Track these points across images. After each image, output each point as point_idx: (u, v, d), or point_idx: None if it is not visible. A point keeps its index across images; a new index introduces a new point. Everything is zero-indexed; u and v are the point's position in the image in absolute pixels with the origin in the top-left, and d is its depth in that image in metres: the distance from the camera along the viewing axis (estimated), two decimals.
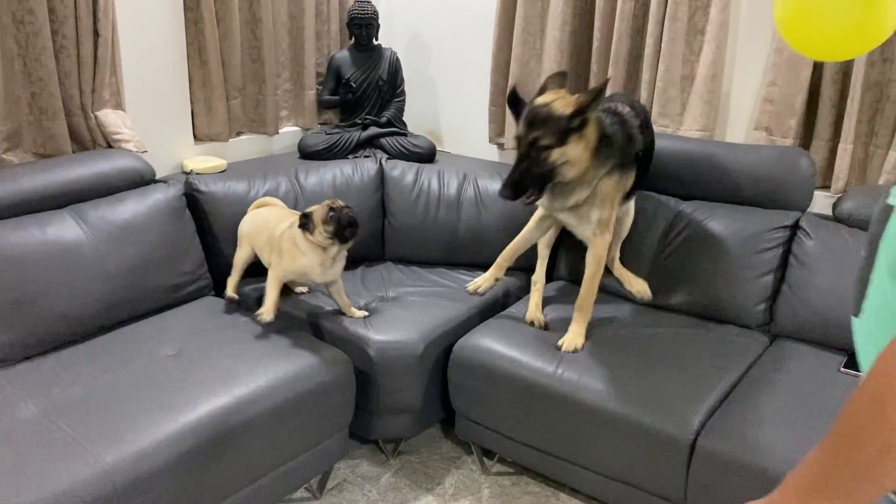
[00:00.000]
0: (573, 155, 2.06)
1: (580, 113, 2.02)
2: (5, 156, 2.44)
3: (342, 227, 2.28)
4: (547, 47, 3.07)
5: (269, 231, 2.46)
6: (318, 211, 2.31)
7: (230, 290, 2.56)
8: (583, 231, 2.34)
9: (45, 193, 2.30)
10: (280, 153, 3.30)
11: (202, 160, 2.91)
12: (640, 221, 2.67)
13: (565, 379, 2.16)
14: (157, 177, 2.69)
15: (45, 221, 2.23)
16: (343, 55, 3.31)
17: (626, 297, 2.65)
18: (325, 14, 3.38)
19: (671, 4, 2.72)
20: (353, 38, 3.31)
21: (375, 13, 3.26)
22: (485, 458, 2.55)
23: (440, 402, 2.52)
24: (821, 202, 2.60)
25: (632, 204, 2.63)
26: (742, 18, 2.70)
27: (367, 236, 2.88)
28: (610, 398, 2.08)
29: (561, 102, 2.06)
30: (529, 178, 2.09)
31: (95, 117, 2.62)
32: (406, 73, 3.43)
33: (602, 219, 2.27)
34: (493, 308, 2.66)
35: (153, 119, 2.84)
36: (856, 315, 0.99)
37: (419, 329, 2.42)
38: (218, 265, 2.68)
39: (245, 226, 2.59)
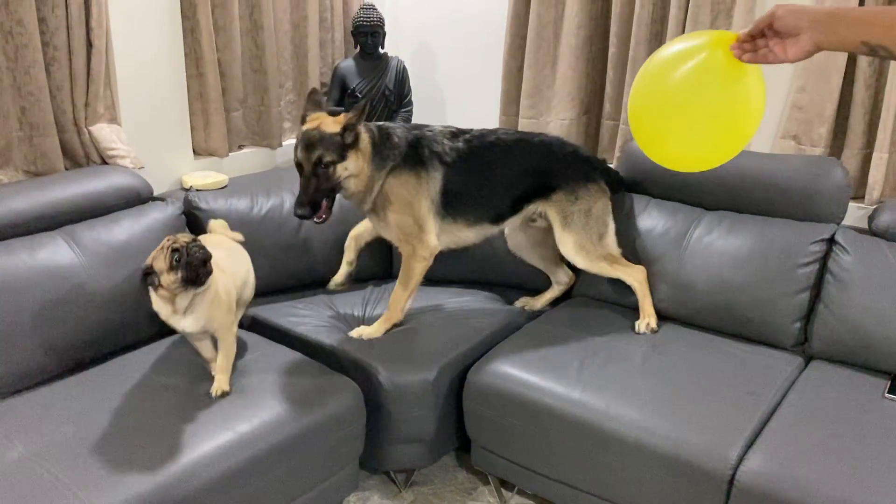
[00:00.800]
0: (354, 167, 2.21)
1: (349, 128, 2.17)
2: None
3: (194, 270, 1.89)
4: (562, 53, 2.95)
5: None
6: (157, 259, 1.90)
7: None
8: (388, 235, 2.41)
9: (35, 214, 2.17)
10: (283, 166, 3.17)
11: (202, 176, 2.79)
12: (659, 231, 2.53)
13: (591, 406, 2.02)
14: (155, 194, 2.56)
15: (35, 244, 2.10)
16: (348, 64, 3.19)
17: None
18: (328, 22, 3.26)
19: (692, 8, 2.60)
20: (359, 47, 3.19)
21: (381, 21, 3.14)
22: (503, 490, 2.41)
23: (455, 429, 2.37)
24: (854, 214, 2.46)
25: (555, 228, 2.48)
26: None
27: (375, 254, 2.75)
28: (640, 428, 1.94)
29: (327, 123, 2.18)
30: (320, 194, 2.20)
31: (89, 132, 2.49)
32: (412, 82, 3.30)
33: (402, 224, 2.32)
34: (507, 329, 2.52)
35: (150, 133, 2.71)
36: None
37: (431, 353, 2.28)
38: None
39: None
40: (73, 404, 1.90)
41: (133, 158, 2.54)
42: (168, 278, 1.89)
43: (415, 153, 2.32)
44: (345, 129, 2.16)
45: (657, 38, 2.76)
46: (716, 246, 2.41)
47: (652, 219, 2.57)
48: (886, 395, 2.04)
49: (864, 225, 2.39)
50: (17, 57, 2.31)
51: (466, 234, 2.46)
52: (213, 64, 2.81)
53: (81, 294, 2.10)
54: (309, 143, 2.16)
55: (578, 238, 2.45)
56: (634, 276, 2.48)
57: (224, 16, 2.82)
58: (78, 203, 2.27)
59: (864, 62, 2.40)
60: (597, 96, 3.03)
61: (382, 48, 3.21)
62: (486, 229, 2.48)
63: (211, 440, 1.79)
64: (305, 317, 2.50)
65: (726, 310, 2.36)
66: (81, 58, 2.42)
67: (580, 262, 2.48)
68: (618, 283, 2.55)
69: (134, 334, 2.24)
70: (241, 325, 2.47)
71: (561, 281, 2.71)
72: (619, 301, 2.59)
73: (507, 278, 2.77)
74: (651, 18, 2.72)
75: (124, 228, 2.28)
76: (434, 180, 2.35)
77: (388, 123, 2.38)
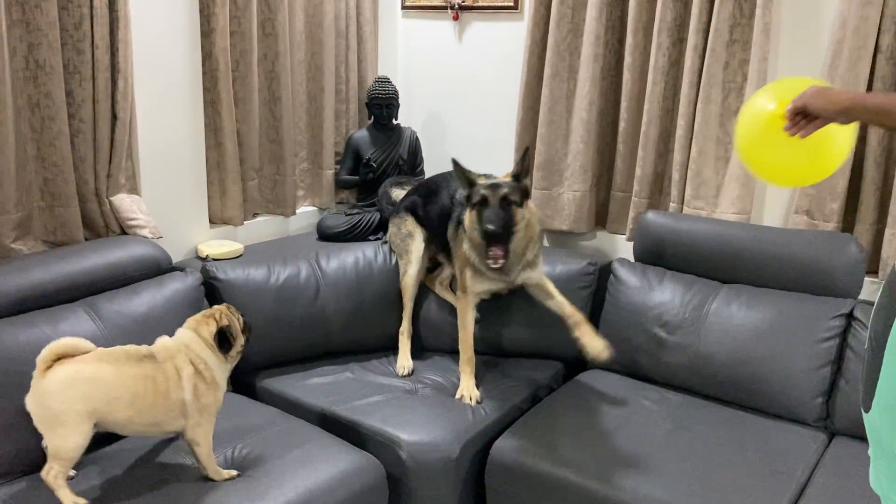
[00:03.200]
0: (528, 216, 2.42)
1: (521, 176, 2.42)
2: (14, 245, 2.31)
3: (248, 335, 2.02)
4: (573, 128, 3.00)
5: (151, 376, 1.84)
6: (232, 322, 1.95)
7: None
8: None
9: (56, 286, 2.16)
10: (296, 234, 3.18)
11: (218, 244, 2.79)
12: (677, 303, 2.55)
13: (619, 485, 2.00)
14: (173, 262, 2.55)
15: (57, 317, 2.08)
16: (362, 134, 3.24)
17: (661, 383, 2.53)
18: (343, 94, 3.32)
19: (704, 86, 2.66)
20: (373, 118, 3.24)
21: (396, 93, 3.20)
22: None
23: None
24: (868, 288, 2.49)
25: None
26: None
27: (394, 324, 2.74)
28: None
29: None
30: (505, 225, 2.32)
31: (110, 203, 2.50)
32: (424, 152, 3.35)
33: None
34: (528, 402, 2.51)
35: (168, 202, 2.72)
36: (866, 411, 1.14)
37: (453, 428, 2.26)
38: None
39: (77, 401, 1.76)
40: (93, 483, 1.86)
41: (152, 228, 2.55)
42: (240, 341, 1.97)
43: None
44: (516, 174, 2.40)
45: (669, 115, 2.82)
46: (735, 319, 2.43)
47: (669, 291, 2.59)
48: None
49: None
50: (43, 129, 2.33)
51: None
52: (232, 135, 2.85)
53: None
54: (495, 183, 2.37)
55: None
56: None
57: (244, 88, 2.87)
58: (99, 274, 2.26)
59: (874, 140, 2.46)
60: (607, 169, 3.08)
61: (396, 119, 3.27)
62: None
63: None
64: (323, 388, 2.48)
65: (747, 383, 2.36)
66: (106, 130, 2.45)
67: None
68: (633, 355, 2.56)
69: None
70: (256, 398, 2.45)
71: None
72: (635, 372, 2.59)
73: (522, 348, 2.77)
74: (663, 95, 2.79)
75: (145, 300, 2.27)
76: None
77: None
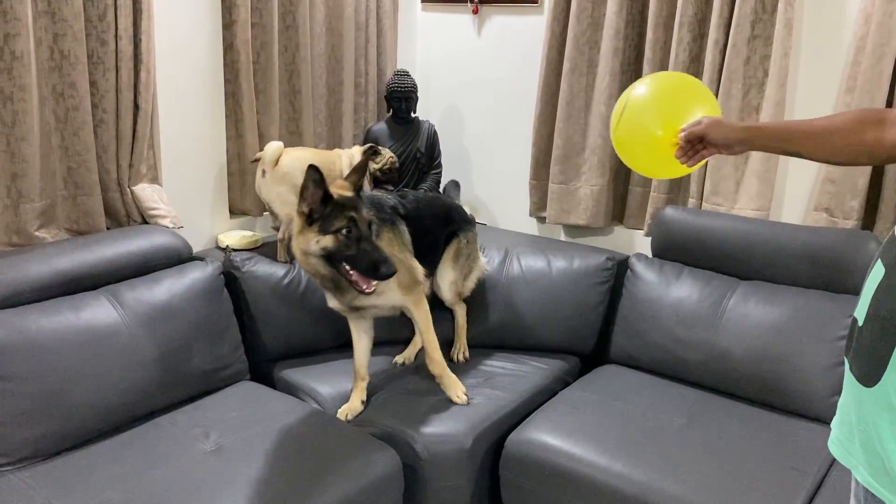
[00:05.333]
0: None
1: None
2: (38, 233, 2.34)
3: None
4: (592, 122, 3.00)
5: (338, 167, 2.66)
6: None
7: (283, 255, 2.65)
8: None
9: (79, 273, 2.19)
10: None
11: (238, 235, 2.82)
12: (695, 299, 2.54)
13: (633, 479, 2.00)
14: (193, 252, 2.58)
15: (79, 304, 2.11)
16: (380, 127, 3.25)
17: (677, 378, 2.53)
18: (362, 86, 3.33)
19: (724, 82, 2.65)
20: (391, 111, 3.26)
21: (415, 86, 3.21)
22: None
23: (489, 497, 2.35)
24: None
25: None
26: (798, 94, 2.62)
27: (407, 318, 2.75)
28: None
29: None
30: None
31: (132, 192, 2.53)
32: (442, 145, 3.36)
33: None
34: (542, 395, 2.51)
35: (188, 193, 2.75)
36: (869, 386, 1.15)
37: (467, 420, 2.27)
38: (254, 347, 2.55)
39: (296, 171, 2.50)
40: (115, 467, 1.89)
41: (173, 218, 2.57)
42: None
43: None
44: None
45: None
46: (753, 316, 2.42)
47: (687, 287, 2.58)
48: None
49: None
50: (68, 118, 2.36)
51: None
52: (253, 126, 2.87)
53: (125, 354, 2.10)
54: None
55: (456, 276, 2.60)
56: (463, 311, 2.68)
57: (265, 80, 2.89)
58: (120, 262, 2.29)
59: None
60: (625, 164, 3.07)
61: (415, 112, 3.28)
62: None
63: None
64: (340, 379, 2.49)
65: (764, 380, 2.36)
66: (128, 120, 2.47)
67: (448, 297, 2.61)
68: (649, 351, 2.56)
69: (176, 394, 2.23)
70: (274, 387, 2.48)
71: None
72: (651, 368, 2.59)
73: (541, 342, 2.77)
74: None
75: (166, 288, 2.29)
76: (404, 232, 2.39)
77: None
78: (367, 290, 2.04)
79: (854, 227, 2.53)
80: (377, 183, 2.88)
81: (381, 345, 2.71)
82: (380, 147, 2.92)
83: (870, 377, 1.17)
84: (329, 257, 2.04)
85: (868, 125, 1.36)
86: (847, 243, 2.40)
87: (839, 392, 2.25)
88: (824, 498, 1.93)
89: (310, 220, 2.02)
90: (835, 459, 2.10)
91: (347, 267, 2.03)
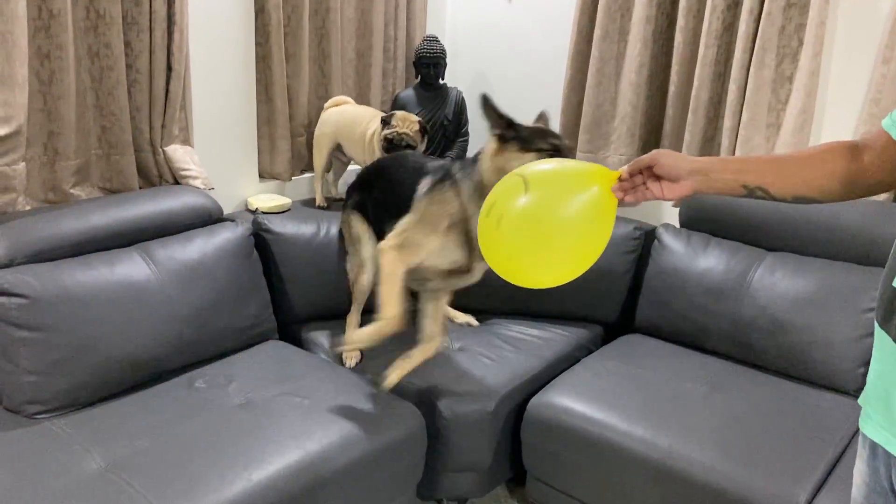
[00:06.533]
0: None
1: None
2: (73, 190, 2.40)
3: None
4: (622, 90, 2.98)
5: (362, 129, 2.80)
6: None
7: (320, 200, 2.96)
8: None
9: (113, 230, 2.23)
10: (342, 193, 3.22)
11: (268, 198, 2.85)
12: (721, 269, 2.53)
13: (654, 444, 2.02)
14: (224, 213, 2.62)
15: (113, 260, 2.16)
16: (408, 94, 3.25)
17: (702, 348, 2.53)
18: (391, 52, 3.33)
19: (758, 51, 2.61)
20: (420, 77, 3.25)
21: (443, 52, 3.20)
22: None
23: (510, 460, 2.39)
24: None
25: None
26: (833, 64, 2.58)
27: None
28: (705, 468, 1.93)
29: None
30: None
31: (164, 152, 2.56)
32: (469, 113, 3.35)
33: None
34: (565, 361, 2.53)
35: (219, 155, 2.78)
36: None
37: (490, 383, 2.30)
38: (283, 308, 2.59)
39: (329, 123, 2.90)
40: (148, 417, 1.94)
41: (204, 179, 2.61)
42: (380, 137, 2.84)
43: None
44: None
45: (720, 79, 2.78)
46: (779, 287, 2.41)
47: (714, 257, 2.57)
48: None
49: None
50: (102, 78, 2.40)
51: None
52: (283, 90, 2.88)
53: (157, 309, 2.15)
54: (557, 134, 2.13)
55: None
56: None
57: (294, 44, 2.90)
58: (153, 220, 2.33)
59: None
60: (654, 133, 3.05)
61: (443, 79, 3.27)
62: None
63: (282, 458, 1.82)
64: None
65: (788, 351, 2.36)
66: (161, 81, 2.50)
67: None
68: (674, 320, 2.57)
69: (207, 350, 2.28)
70: (301, 346, 2.52)
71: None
72: (675, 338, 2.60)
73: (561, 310, 2.78)
74: (715, 60, 2.75)
75: (197, 247, 2.33)
76: None
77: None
78: None
79: (886, 199, 2.50)
80: (389, 150, 2.78)
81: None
82: (397, 116, 2.79)
83: None
84: None
85: (839, 153, 1.25)
86: (876, 215, 2.38)
87: (864, 364, 2.27)
88: (845, 467, 1.93)
89: (503, 140, 2.04)
90: (856, 430, 2.10)
91: None
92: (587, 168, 1.40)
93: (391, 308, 2.02)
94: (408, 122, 2.78)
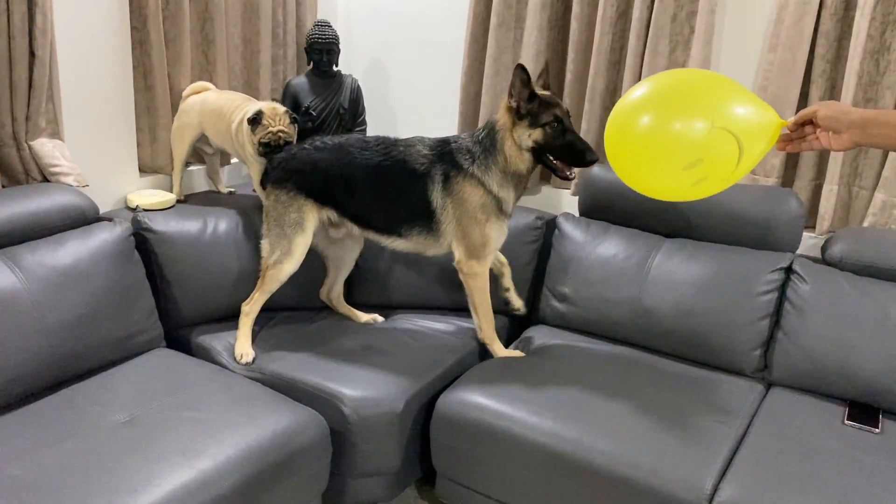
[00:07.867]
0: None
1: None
2: None
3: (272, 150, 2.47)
4: None
5: (228, 118, 2.56)
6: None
7: (178, 192, 2.73)
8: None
9: None
10: (230, 185, 3.05)
11: (149, 194, 2.65)
12: (621, 257, 2.55)
13: (564, 437, 2.00)
14: (100, 212, 2.41)
15: None
16: (300, 81, 3.10)
17: (605, 337, 2.55)
18: (281, 38, 3.17)
19: (651, 39, 2.64)
20: (312, 64, 3.11)
21: (336, 38, 3.07)
22: None
23: (419, 460, 2.32)
24: (805, 243, 2.54)
25: None
26: (724, 53, 2.63)
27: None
28: (614, 458, 1.92)
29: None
30: None
31: (29, 147, 2.33)
32: (366, 102, 3.25)
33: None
34: (473, 356, 2.48)
35: (94, 149, 2.56)
36: None
37: (397, 382, 2.22)
38: (169, 313, 2.42)
39: (193, 112, 2.67)
40: (18, 442, 1.75)
41: (77, 176, 2.39)
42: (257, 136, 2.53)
43: None
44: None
45: (616, 68, 2.79)
46: (677, 273, 2.44)
47: (613, 245, 2.58)
48: (846, 421, 2.09)
49: (816, 254, 2.46)
50: None
51: None
52: (163, 78, 2.69)
53: (25, 321, 1.94)
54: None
55: None
56: None
57: (174, 28, 2.70)
58: (19, 223, 2.11)
59: (815, 98, 2.48)
60: None
61: (337, 66, 3.14)
62: None
63: (172, 479, 1.68)
64: (262, 344, 2.40)
65: (688, 336, 2.39)
66: (23, 68, 2.26)
67: None
68: (578, 310, 2.56)
69: (85, 363, 2.10)
70: (192, 354, 2.36)
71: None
72: (580, 327, 2.60)
73: (464, 301, 2.72)
74: (610, 47, 2.75)
75: (70, 250, 2.13)
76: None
77: None
78: (570, 177, 2.24)
79: (775, 184, 2.57)
80: (267, 154, 2.50)
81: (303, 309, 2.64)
82: (265, 113, 2.48)
83: None
84: (538, 150, 2.21)
85: None
86: (768, 200, 2.44)
87: (761, 346, 2.33)
88: (748, 449, 1.97)
89: (518, 115, 2.20)
90: (757, 408, 2.15)
91: (552, 157, 2.22)
92: (773, 122, 1.55)
93: (492, 319, 2.43)
94: (278, 117, 2.48)
